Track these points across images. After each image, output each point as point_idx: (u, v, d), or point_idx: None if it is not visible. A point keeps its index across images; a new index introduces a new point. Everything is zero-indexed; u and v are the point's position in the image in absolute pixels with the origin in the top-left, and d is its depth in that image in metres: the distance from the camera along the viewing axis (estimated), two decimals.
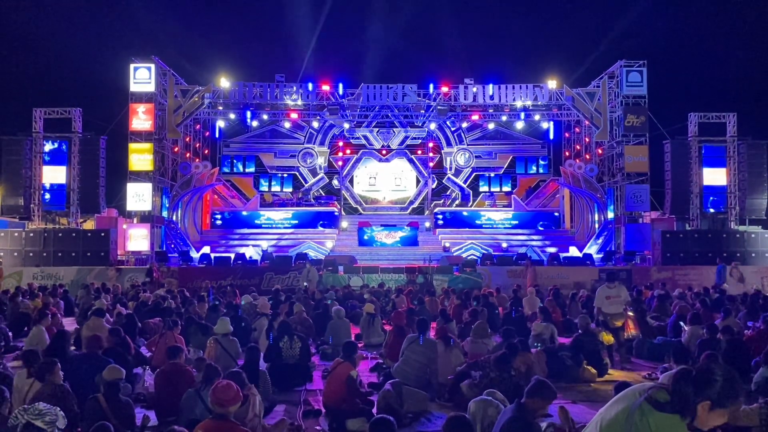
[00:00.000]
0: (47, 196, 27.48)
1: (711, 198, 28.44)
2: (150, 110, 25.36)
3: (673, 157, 27.98)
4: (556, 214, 31.66)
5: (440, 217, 30.92)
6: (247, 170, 33.08)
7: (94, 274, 21.09)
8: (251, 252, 25.55)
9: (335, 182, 33.58)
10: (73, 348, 9.32)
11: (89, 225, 27.75)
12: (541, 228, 30.90)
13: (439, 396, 7.82)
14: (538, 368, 8.35)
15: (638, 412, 2.71)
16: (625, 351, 10.48)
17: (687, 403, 2.62)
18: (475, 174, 33.54)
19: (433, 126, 31.55)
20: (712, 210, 28.59)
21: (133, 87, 25.40)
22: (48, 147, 27.27)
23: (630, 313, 11.09)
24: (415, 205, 33.97)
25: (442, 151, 33.53)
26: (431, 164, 33.40)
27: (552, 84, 26.86)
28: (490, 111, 28.93)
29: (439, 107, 27.33)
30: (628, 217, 26.04)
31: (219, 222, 30.96)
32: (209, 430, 4.48)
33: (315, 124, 31.46)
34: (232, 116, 29.50)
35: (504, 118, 29.56)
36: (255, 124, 30.88)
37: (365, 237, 28.48)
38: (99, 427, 4.68)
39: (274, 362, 8.64)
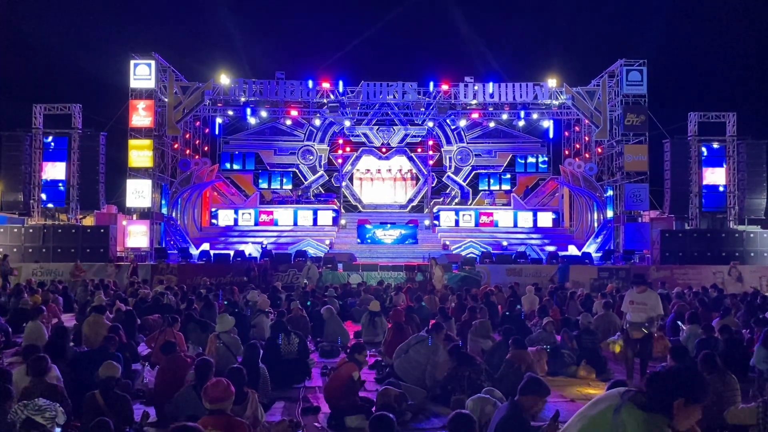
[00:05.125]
0: (47, 192, 27.48)
1: (718, 199, 28.36)
2: (150, 107, 25.34)
3: (672, 156, 27.98)
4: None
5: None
6: (246, 167, 33.10)
7: (94, 270, 21.07)
8: (251, 249, 25.54)
9: (335, 180, 33.61)
10: (71, 344, 9.32)
11: (89, 221, 27.71)
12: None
13: (433, 394, 7.80)
14: (538, 366, 8.37)
15: (624, 410, 2.87)
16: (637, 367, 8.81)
17: (664, 403, 2.81)
18: (474, 172, 33.57)
19: (431, 124, 31.58)
20: (710, 209, 28.62)
21: (133, 83, 25.36)
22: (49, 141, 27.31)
23: (659, 333, 9.22)
24: (415, 203, 33.99)
25: (442, 149, 33.55)
26: (431, 162, 33.41)
27: (552, 83, 26.83)
28: (490, 109, 28.93)
29: (439, 105, 27.31)
30: (627, 216, 26.05)
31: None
32: (208, 426, 4.49)
33: (316, 122, 31.47)
34: (232, 113, 29.50)
35: (504, 116, 29.55)
36: (254, 121, 30.85)
37: (365, 235, 28.47)
38: (98, 423, 4.69)
39: (273, 360, 8.64)
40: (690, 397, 2.79)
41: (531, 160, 33.55)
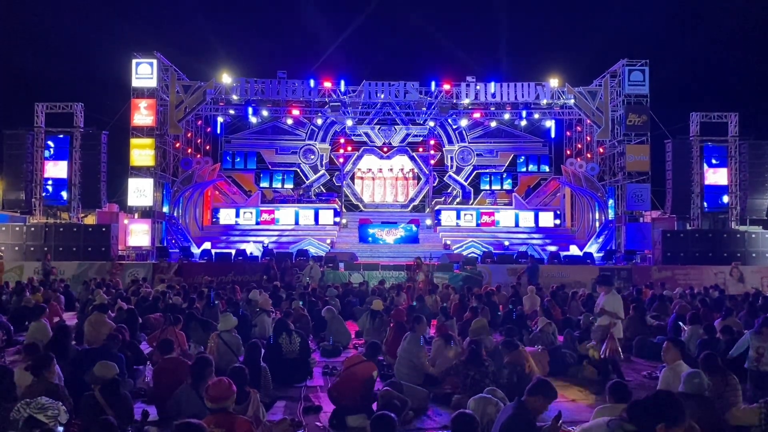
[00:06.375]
0: (48, 191, 27.51)
1: (720, 199, 28.36)
2: (152, 106, 25.36)
3: (674, 156, 27.95)
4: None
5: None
6: (248, 166, 33.13)
7: (95, 269, 21.11)
8: (252, 248, 25.55)
9: (336, 179, 33.60)
10: (73, 343, 9.31)
11: (90, 220, 27.76)
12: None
13: (434, 394, 7.78)
14: (539, 367, 8.34)
15: None
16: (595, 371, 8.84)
17: (648, 429, 3.03)
18: (476, 172, 33.56)
19: (433, 123, 31.57)
20: (712, 209, 28.59)
21: (135, 82, 25.39)
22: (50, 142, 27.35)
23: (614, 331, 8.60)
24: (416, 202, 33.97)
25: (444, 148, 33.53)
26: (432, 162, 33.40)
27: (554, 82, 26.81)
28: (492, 109, 28.93)
29: (440, 105, 27.32)
30: (628, 216, 26.03)
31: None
32: (211, 424, 4.50)
33: (318, 121, 31.51)
34: (234, 112, 29.51)
35: (506, 116, 29.52)
36: (256, 120, 30.86)
37: (366, 234, 28.45)
38: (101, 422, 4.69)
39: (275, 359, 8.64)
40: (669, 421, 3.01)
41: (533, 160, 33.53)
